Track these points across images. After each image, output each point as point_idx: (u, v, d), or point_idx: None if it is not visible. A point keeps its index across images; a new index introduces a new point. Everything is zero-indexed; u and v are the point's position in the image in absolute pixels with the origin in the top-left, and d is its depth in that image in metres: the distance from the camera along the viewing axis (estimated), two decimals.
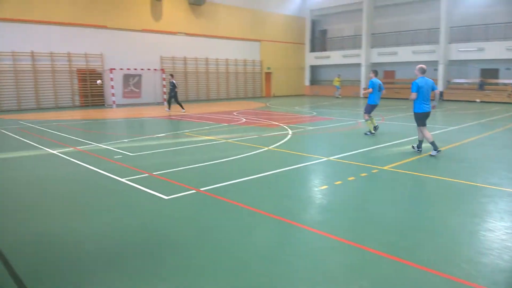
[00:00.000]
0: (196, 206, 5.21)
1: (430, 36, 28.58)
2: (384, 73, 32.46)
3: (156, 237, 4.21)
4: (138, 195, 5.64)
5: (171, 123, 14.62)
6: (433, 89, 8.28)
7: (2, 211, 5.11)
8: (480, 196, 5.57)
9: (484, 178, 6.46)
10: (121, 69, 23.09)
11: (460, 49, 26.87)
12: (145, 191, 5.74)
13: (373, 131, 11.13)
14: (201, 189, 5.81)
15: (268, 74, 32.77)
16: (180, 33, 26.40)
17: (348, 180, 6.36)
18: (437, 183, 6.27)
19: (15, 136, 11.31)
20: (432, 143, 8.12)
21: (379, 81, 10.87)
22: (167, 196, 5.50)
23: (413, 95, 8.13)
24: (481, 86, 26.49)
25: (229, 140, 10.24)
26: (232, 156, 8.19)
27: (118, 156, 8.26)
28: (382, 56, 30.79)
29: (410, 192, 5.89)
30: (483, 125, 13.58)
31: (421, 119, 8.25)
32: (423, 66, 8.23)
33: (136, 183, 6.12)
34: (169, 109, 18.68)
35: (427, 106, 8.20)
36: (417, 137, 8.66)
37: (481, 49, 25.86)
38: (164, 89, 24.58)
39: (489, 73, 27.26)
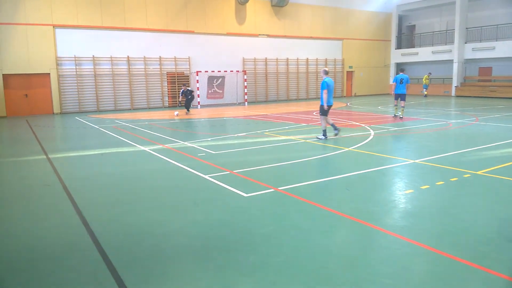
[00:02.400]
0: (274, 205, 5.28)
1: None
2: (479, 69, 29.79)
3: (237, 233, 4.35)
4: (220, 192, 5.88)
5: (251, 123, 14.96)
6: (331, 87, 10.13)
7: (98, 204, 5.67)
8: None
9: None
10: (206, 71, 24.19)
11: None
12: (226, 188, 5.96)
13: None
14: (279, 188, 5.87)
15: (349, 73, 31.93)
16: (262, 35, 26.88)
17: (436, 184, 5.96)
18: None
19: (112, 134, 12.45)
20: (332, 125, 10.38)
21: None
22: (247, 193, 5.65)
23: (326, 91, 10.01)
24: None
25: (308, 140, 10.19)
26: (311, 157, 8.14)
27: (202, 154, 8.68)
28: (478, 51, 28.25)
29: (505, 199, 5.34)
30: None
31: (328, 110, 10.21)
32: (326, 68, 10.32)
33: (218, 180, 6.39)
34: (188, 111, 19.62)
35: (332, 100, 10.25)
36: (321, 126, 10.43)
37: None
38: (246, 90, 25.22)
39: None
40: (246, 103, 25.07)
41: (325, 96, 10.02)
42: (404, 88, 14.66)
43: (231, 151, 9.09)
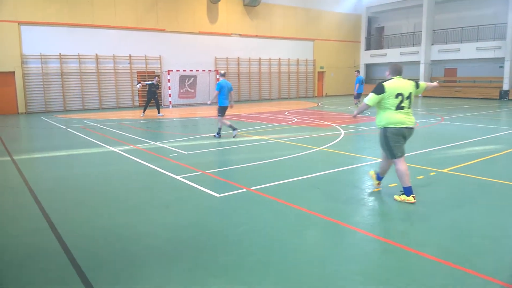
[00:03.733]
0: (246, 205, 5.30)
1: (496, 32, 26.74)
2: (445, 70, 30.87)
3: (208, 234, 4.34)
4: (192, 192, 5.84)
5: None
6: (230, 90, 10.71)
7: (65, 206, 5.51)
8: None
9: None
10: (178, 70, 23.94)
11: None
12: (199, 189, 5.93)
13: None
14: (252, 188, 5.89)
15: (320, 74, 32.39)
16: (234, 34, 26.86)
17: None
18: (499, 187, 5.88)
19: (79, 134, 12.13)
20: (230, 126, 10.77)
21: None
22: (219, 194, 5.64)
23: (216, 93, 10.58)
24: None
25: (280, 140, 10.27)
26: (283, 156, 8.21)
27: (173, 154, 8.59)
28: (443, 53, 29.27)
29: (468, 196, 5.57)
30: None
31: (224, 110, 10.80)
32: (223, 71, 10.86)
33: (189, 181, 6.34)
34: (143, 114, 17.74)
35: (227, 101, 10.75)
36: (219, 126, 10.92)
37: None
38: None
39: None
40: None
41: (216, 96, 10.67)
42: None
43: (203, 151, 9.04)
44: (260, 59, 28.31)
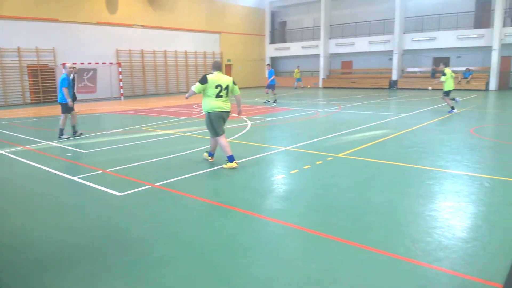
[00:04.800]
0: (150, 202, 5.13)
1: (385, 27, 29.43)
2: (342, 63, 33.15)
3: (109, 235, 4.11)
4: (90, 193, 5.48)
5: (128, 118, 14.26)
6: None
7: None
8: (427, 178, 5.83)
9: (431, 161, 6.78)
10: (74, 63, 22.20)
11: (413, 39, 27.89)
12: (98, 189, 5.59)
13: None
14: (156, 184, 5.73)
15: (228, 66, 32.61)
16: (136, 25, 25.72)
17: (304, 168, 6.47)
18: (388, 167, 6.51)
19: None
20: (73, 127, 10.06)
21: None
22: (121, 192, 5.38)
23: (66, 89, 9.55)
24: (433, 74, 27.59)
25: (188, 134, 10.13)
26: (190, 150, 8.12)
27: (70, 154, 7.98)
28: (340, 47, 31.39)
29: (362, 177, 6.08)
30: (434, 111, 14.19)
31: (66, 107, 9.78)
32: (70, 67, 9.83)
33: (88, 181, 5.94)
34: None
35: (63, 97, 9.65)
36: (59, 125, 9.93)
37: (433, 39, 26.95)
38: (121, 83, 23.90)
39: (440, 61, 28.39)
40: (122, 97, 23.80)
41: (66, 92, 9.57)
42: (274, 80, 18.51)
43: (104, 149, 8.54)
44: (165, 51, 27.55)
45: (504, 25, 24.66)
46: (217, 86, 6.36)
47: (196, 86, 6.42)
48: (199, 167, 6.66)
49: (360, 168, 6.60)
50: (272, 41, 36.00)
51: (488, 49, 25.07)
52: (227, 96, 6.52)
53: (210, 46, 30.72)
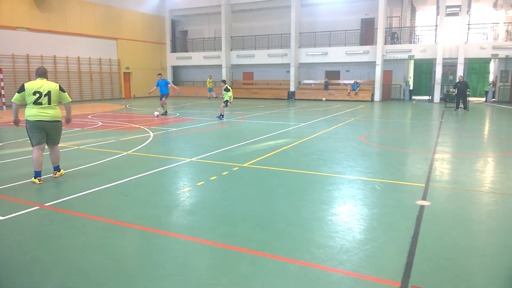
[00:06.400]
0: (38, 226, 4.55)
1: (283, 41, 30.94)
2: (243, 74, 33.95)
3: None
4: None
5: (9, 131, 12.68)
6: None
7: None
8: (326, 184, 6.16)
9: (329, 168, 7.20)
10: None
11: (308, 53, 29.76)
12: None
13: None
14: (46, 204, 5.11)
15: (127, 74, 31.16)
16: (21, 28, 23.19)
17: (210, 180, 6.37)
18: (291, 175, 6.74)
19: None
20: None
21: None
22: (3, 216, 4.69)
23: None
24: (326, 86, 29.79)
25: (82, 147, 9.34)
26: (84, 165, 7.47)
27: None
28: (241, 58, 32.12)
29: (267, 186, 6.18)
30: (328, 121, 15.23)
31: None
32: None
33: None
34: None
35: None
36: None
37: (325, 53, 29.07)
38: (3, 92, 21.27)
39: (332, 74, 30.85)
40: (4, 107, 21.16)
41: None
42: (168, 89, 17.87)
43: None
44: (55, 57, 25.31)
45: (386, 43, 27.69)
46: (35, 93, 6.02)
47: (15, 97, 6.06)
48: (95, 183, 6.14)
49: (265, 177, 6.72)
50: (174, 50, 35.42)
51: (372, 64, 27.87)
52: (49, 104, 6.12)
53: (106, 52, 29.04)
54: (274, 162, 7.68)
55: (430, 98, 27.66)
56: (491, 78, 29.69)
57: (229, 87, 15.71)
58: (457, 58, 25.66)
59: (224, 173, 6.75)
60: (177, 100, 28.49)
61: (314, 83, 31.13)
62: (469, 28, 26.70)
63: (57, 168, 6.54)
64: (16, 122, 6.32)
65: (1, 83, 21.29)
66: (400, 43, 28.49)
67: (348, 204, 5.20)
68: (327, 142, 10.15)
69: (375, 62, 27.47)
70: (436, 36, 26.71)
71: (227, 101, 15.50)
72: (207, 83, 30.70)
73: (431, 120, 16.41)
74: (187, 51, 35.27)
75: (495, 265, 3.59)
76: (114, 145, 9.56)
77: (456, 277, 3.32)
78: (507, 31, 26.93)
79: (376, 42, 27.40)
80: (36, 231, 4.39)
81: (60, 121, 6.38)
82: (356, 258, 3.66)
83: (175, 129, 12.67)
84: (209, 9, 32.88)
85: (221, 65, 32.42)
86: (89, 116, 16.48)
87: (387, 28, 28.26)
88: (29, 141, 6.22)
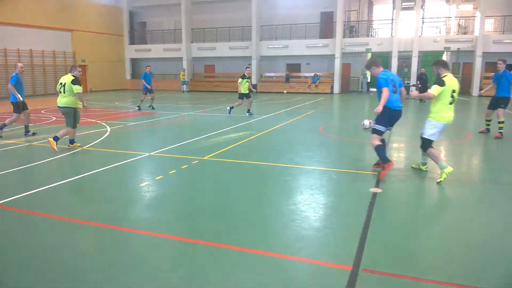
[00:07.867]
0: None
1: (244, 34, 30.86)
2: (205, 67, 33.63)
3: None
4: None
5: None
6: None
7: None
8: (285, 175, 6.28)
9: (288, 159, 7.32)
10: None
11: (269, 46, 29.89)
12: None
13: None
14: None
15: (82, 67, 30.02)
16: None
17: (170, 173, 6.32)
18: (251, 167, 6.80)
19: None
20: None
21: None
22: None
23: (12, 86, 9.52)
24: (287, 79, 30.09)
25: (34, 143, 8.96)
26: (37, 161, 7.18)
27: None
28: (202, 50, 31.78)
29: (227, 178, 6.22)
30: (289, 113, 15.43)
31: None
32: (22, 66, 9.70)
33: None
34: None
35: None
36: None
37: (286, 46, 29.32)
38: None
39: (293, 67, 31.18)
40: None
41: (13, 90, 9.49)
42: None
43: None
44: (5, 49, 23.98)
45: (344, 36, 28.28)
46: (60, 84, 7.98)
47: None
48: (49, 180, 5.93)
49: (225, 169, 6.75)
50: (132, 42, 34.49)
51: (332, 57, 28.41)
52: (64, 93, 7.83)
53: (61, 44, 27.84)
54: (234, 155, 7.71)
55: None
56: None
57: (246, 74, 14.42)
58: (411, 51, 26.66)
59: (183, 167, 6.72)
60: (136, 94, 27.83)
61: (276, 76, 31.34)
62: (423, 22, 27.79)
63: (72, 141, 8.21)
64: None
65: None
66: (358, 37, 29.21)
67: (305, 193, 5.33)
68: (287, 134, 10.30)
69: (334, 55, 28.02)
70: (392, 30, 27.60)
71: (243, 94, 14.23)
72: (181, 75, 30.16)
73: None
74: (146, 43, 34.45)
75: (442, 248, 3.82)
76: (68, 140, 9.22)
77: (404, 261, 3.51)
78: (458, 24, 28.27)
79: (335, 36, 27.92)
80: None
81: (69, 107, 7.89)
82: (311, 245, 3.78)
83: (133, 123, 12.41)
84: (169, 0, 32.23)
85: (182, 57, 31.95)
86: (42, 111, 15.80)
87: (345, 21, 28.86)
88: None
